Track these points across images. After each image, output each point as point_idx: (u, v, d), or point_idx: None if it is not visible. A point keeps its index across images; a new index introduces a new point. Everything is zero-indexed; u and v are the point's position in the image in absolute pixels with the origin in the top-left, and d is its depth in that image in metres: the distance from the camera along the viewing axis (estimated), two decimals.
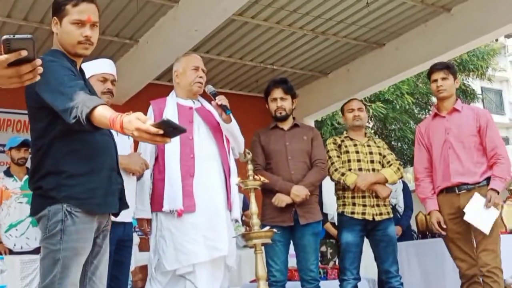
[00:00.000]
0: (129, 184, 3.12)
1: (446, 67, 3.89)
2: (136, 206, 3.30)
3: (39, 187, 2.29)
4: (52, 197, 2.25)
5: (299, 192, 3.72)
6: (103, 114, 2.03)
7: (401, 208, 5.35)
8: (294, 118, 4.07)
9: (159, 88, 7.08)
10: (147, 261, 3.30)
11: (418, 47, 6.97)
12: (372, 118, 12.03)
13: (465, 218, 3.59)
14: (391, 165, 4.14)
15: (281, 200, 3.71)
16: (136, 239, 3.47)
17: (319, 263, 4.91)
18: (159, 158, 3.29)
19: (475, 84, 13.80)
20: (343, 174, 4.01)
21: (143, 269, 3.42)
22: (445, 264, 4.50)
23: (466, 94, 13.03)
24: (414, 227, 5.62)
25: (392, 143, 13.04)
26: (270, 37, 6.99)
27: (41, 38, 6.13)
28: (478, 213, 3.57)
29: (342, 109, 4.40)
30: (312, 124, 9.16)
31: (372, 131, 12.78)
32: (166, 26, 6.22)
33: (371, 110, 10.92)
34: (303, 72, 8.15)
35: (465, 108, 3.92)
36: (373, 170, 4.08)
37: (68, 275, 2.20)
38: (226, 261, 3.21)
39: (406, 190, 5.54)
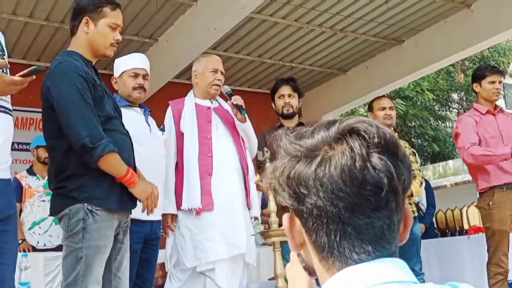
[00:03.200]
0: (157, 183, 3.13)
1: (501, 71, 4.15)
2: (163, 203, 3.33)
3: (62, 187, 2.36)
4: (73, 197, 2.32)
5: None
6: None
7: (424, 205, 5.33)
8: (299, 117, 4.08)
9: (178, 86, 7.13)
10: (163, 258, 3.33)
11: (437, 44, 6.91)
12: None
13: None
14: (415, 176, 4.11)
15: None
16: None
17: None
18: (178, 157, 3.32)
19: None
20: None
21: (163, 266, 3.45)
22: (464, 262, 4.49)
23: None
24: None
25: (412, 140, 12.96)
26: (288, 35, 6.98)
27: (62, 39, 6.21)
28: None
29: (370, 107, 4.34)
30: None
31: (392, 127, 12.72)
32: (185, 25, 6.26)
33: None
34: (321, 70, 8.13)
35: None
36: None
37: (91, 273, 2.24)
38: (245, 259, 3.22)
39: (428, 188, 5.52)
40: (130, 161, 2.49)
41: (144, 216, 2.86)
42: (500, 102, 17.30)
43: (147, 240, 3.10)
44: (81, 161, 2.34)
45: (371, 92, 8.01)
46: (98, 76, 2.54)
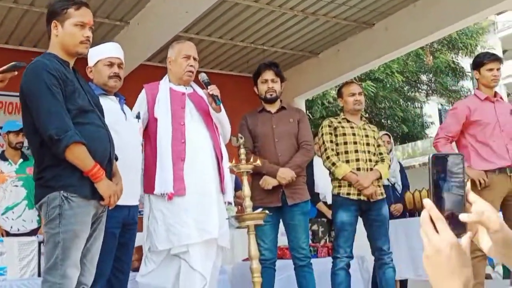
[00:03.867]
0: (134, 170, 3.20)
1: (499, 58, 4.26)
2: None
3: (41, 178, 2.49)
4: (51, 186, 2.44)
5: (285, 174, 3.85)
6: None
7: (400, 187, 5.48)
8: (281, 101, 4.15)
9: (150, 69, 7.12)
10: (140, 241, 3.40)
11: (407, 27, 7.01)
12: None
13: None
14: (383, 159, 4.23)
15: (268, 182, 3.84)
16: None
17: (311, 242, 5.04)
18: (151, 141, 3.36)
19: (465, 62, 13.91)
20: (333, 164, 4.08)
21: (139, 249, 3.51)
22: None
23: (455, 72, 13.14)
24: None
25: (382, 121, 13.15)
26: (260, 18, 7.01)
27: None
28: None
29: (340, 92, 4.42)
30: (303, 104, 9.23)
31: (363, 109, 12.87)
32: (157, 7, 6.24)
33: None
34: (293, 52, 8.19)
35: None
36: (369, 152, 4.17)
37: (69, 256, 2.34)
38: (218, 242, 3.29)
39: (402, 170, 5.68)
40: (105, 153, 2.60)
41: (121, 201, 2.92)
42: (469, 83, 17.65)
43: (125, 225, 3.14)
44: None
45: (342, 75, 8.13)
46: (77, 75, 2.67)
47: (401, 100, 13.08)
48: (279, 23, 7.19)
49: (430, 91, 14.31)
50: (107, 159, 2.59)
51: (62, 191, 2.42)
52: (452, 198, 1.02)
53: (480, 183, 3.92)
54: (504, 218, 4.03)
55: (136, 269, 3.50)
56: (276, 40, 7.75)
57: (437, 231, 0.99)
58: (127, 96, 3.72)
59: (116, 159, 2.75)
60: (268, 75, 4.02)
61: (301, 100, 9.10)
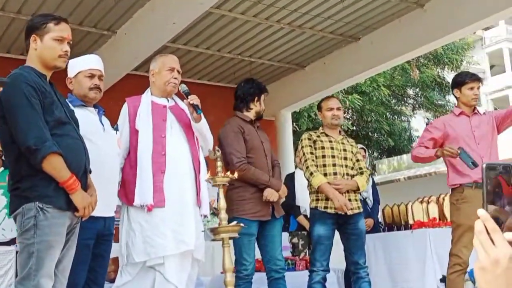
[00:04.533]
0: (111, 181, 3.21)
1: (480, 78, 4.38)
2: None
3: (17, 188, 2.51)
4: (26, 197, 2.45)
5: (284, 191, 4.07)
6: None
7: (371, 201, 5.52)
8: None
9: (136, 78, 7.13)
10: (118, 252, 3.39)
11: (392, 42, 7.10)
12: (349, 110, 12.19)
13: None
14: (362, 172, 4.27)
15: (275, 195, 3.93)
16: None
17: (290, 254, 5.06)
18: (131, 154, 3.37)
19: (450, 76, 14.02)
20: (311, 174, 4.15)
21: (116, 260, 3.50)
22: (408, 256, 4.70)
23: (441, 86, 13.26)
24: (380, 219, 5.79)
25: (369, 134, 13.23)
26: (247, 30, 7.06)
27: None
28: None
29: (319, 107, 4.47)
30: (289, 116, 9.28)
31: (350, 122, 12.94)
32: (144, 18, 6.26)
33: (347, 102, 11.06)
34: (280, 65, 8.24)
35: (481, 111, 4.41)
36: (346, 166, 4.22)
37: (42, 267, 2.36)
38: (194, 255, 3.30)
39: (373, 185, 5.72)
40: (81, 165, 2.62)
41: (97, 213, 2.93)
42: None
43: (101, 236, 3.14)
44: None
45: (328, 87, 8.19)
46: (54, 88, 2.71)
47: (387, 113, 13.17)
48: (266, 35, 7.25)
49: (417, 105, 14.43)
50: (82, 171, 2.61)
51: (37, 202, 2.43)
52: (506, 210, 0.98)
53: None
54: None
55: (113, 281, 3.50)
56: (263, 52, 7.80)
57: (493, 243, 0.95)
58: (113, 105, 3.74)
59: (90, 172, 2.76)
60: (262, 97, 4.20)
61: (287, 112, 9.16)
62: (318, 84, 8.22)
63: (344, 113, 12.91)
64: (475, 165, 3.85)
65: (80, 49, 6.85)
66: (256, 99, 4.13)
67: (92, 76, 3.26)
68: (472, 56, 16.09)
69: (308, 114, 11.33)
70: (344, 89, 11.06)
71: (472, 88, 4.23)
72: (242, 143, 3.96)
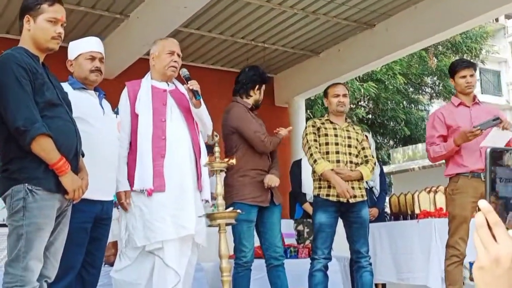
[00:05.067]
0: (110, 165, 3.21)
1: (473, 64, 4.25)
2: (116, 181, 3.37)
3: (6, 170, 2.50)
4: (15, 179, 2.45)
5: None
6: None
7: (377, 190, 5.46)
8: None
9: (149, 63, 7.13)
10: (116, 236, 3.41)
11: (408, 29, 6.99)
12: (365, 98, 12.08)
13: (481, 144, 3.86)
14: (367, 161, 4.22)
15: (275, 181, 3.96)
16: (115, 213, 3.54)
17: (296, 242, 5.04)
18: (131, 138, 3.36)
19: None
20: (315, 161, 4.11)
21: (116, 244, 3.53)
22: (414, 246, 4.66)
23: None
24: (387, 209, 5.74)
25: (385, 122, 13.11)
26: (260, 16, 7.00)
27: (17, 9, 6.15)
28: (493, 139, 3.84)
29: (325, 93, 4.43)
30: (303, 103, 9.22)
31: (365, 110, 12.82)
32: (156, 1, 6.24)
33: (362, 90, 10.95)
34: (294, 51, 8.17)
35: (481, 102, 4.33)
36: (350, 154, 4.18)
37: (31, 249, 2.36)
38: (194, 239, 3.30)
39: (381, 174, 5.65)
40: (71, 147, 2.61)
41: (95, 196, 2.95)
42: (476, 87, 17.52)
43: (98, 220, 3.14)
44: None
45: (343, 75, 8.10)
46: (47, 70, 2.69)
47: (404, 102, 13.02)
48: (279, 21, 7.18)
49: (435, 94, 14.23)
50: (73, 153, 2.60)
51: (26, 184, 2.42)
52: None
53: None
54: None
55: (112, 264, 3.52)
56: (276, 38, 7.74)
57: (495, 239, 0.83)
58: None
59: (83, 155, 2.76)
60: (263, 87, 4.16)
61: (301, 99, 9.10)
62: (332, 71, 8.13)
63: (360, 101, 12.86)
64: (496, 119, 3.84)
65: (93, 33, 6.85)
66: (257, 87, 4.11)
67: (93, 59, 3.25)
68: (493, 45, 15.78)
69: (322, 101, 11.23)
70: (359, 77, 10.94)
71: (464, 77, 4.13)
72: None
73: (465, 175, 3.96)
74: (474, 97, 4.22)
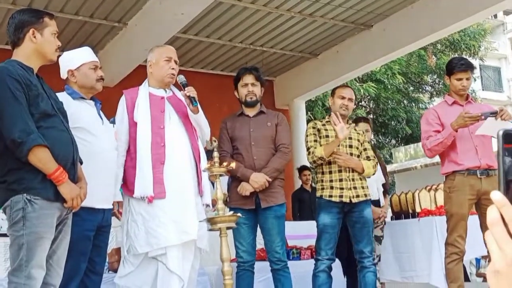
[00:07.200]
0: (110, 174, 3.24)
1: (470, 66, 4.18)
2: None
3: (4, 181, 2.53)
4: (13, 189, 2.48)
5: (258, 179, 3.88)
6: None
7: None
8: (261, 105, 4.17)
9: None
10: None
11: (405, 28, 7.03)
12: (365, 98, 12.09)
13: (477, 132, 3.87)
14: (369, 160, 4.22)
15: (245, 189, 3.90)
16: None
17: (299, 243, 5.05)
18: (130, 146, 3.39)
19: (473, 62, 13.78)
20: (312, 152, 4.08)
21: (119, 251, 3.54)
22: (415, 244, 4.68)
23: None
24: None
25: (386, 122, 13.12)
26: (258, 20, 7.05)
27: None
28: (489, 128, 3.82)
29: (333, 92, 4.40)
30: (303, 105, 9.25)
31: (366, 110, 12.83)
32: (153, 9, 6.29)
33: (362, 90, 10.97)
34: (292, 54, 8.22)
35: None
36: (351, 154, 4.17)
37: (33, 257, 2.39)
38: (197, 244, 3.32)
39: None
40: (68, 156, 2.64)
41: (97, 205, 2.98)
42: (477, 83, 17.50)
43: (99, 227, 3.18)
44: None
45: (341, 76, 8.15)
46: (41, 81, 2.73)
47: (405, 101, 13.04)
48: (277, 24, 7.23)
49: (435, 92, 14.24)
50: (70, 162, 2.63)
51: (25, 194, 2.46)
52: None
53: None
54: (481, 223, 4.03)
55: (116, 270, 3.54)
56: (274, 42, 7.79)
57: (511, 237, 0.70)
58: None
59: (81, 163, 2.79)
60: (249, 79, 4.06)
61: (301, 101, 9.14)
62: (331, 73, 8.18)
63: (360, 101, 12.88)
64: (494, 112, 3.84)
65: (92, 42, 6.93)
66: (234, 87, 4.16)
67: (96, 68, 3.31)
68: (493, 42, 15.79)
69: (322, 103, 11.28)
70: (358, 77, 10.97)
71: (460, 79, 4.09)
72: (224, 136, 4.08)
73: (461, 172, 3.97)
74: (468, 96, 4.23)
